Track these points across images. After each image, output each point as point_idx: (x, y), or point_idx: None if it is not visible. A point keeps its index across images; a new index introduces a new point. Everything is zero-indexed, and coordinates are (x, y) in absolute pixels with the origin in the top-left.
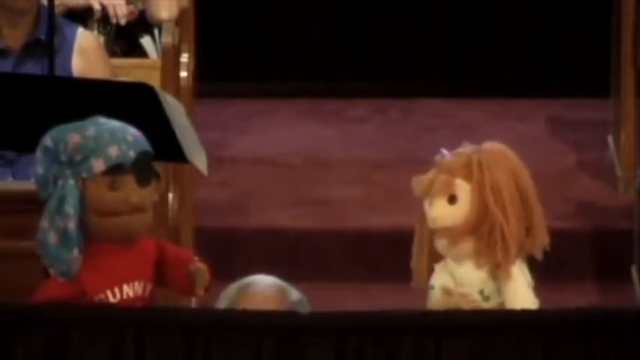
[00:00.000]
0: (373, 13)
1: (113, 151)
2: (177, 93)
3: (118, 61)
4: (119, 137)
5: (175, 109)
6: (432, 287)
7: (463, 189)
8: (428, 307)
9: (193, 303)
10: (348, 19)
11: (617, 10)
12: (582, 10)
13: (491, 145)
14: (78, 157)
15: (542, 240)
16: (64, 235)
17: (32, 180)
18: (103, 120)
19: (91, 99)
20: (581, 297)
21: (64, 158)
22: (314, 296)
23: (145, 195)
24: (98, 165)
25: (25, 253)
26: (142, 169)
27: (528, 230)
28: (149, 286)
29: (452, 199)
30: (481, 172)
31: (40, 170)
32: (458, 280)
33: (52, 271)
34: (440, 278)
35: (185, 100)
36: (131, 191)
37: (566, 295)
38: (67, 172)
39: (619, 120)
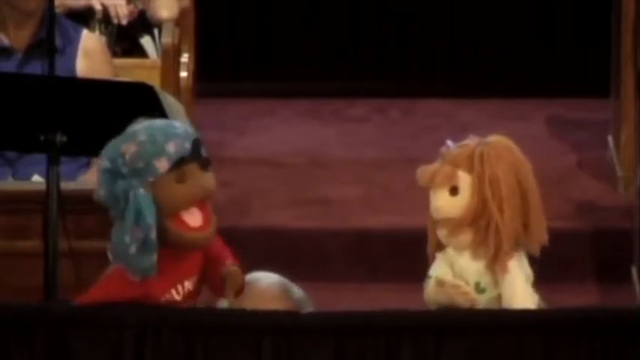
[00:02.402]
0: (374, 12)
1: (171, 148)
2: (177, 93)
3: (118, 61)
4: (172, 133)
5: (175, 109)
6: (429, 277)
7: (464, 181)
8: (425, 298)
9: None
10: (348, 19)
11: (617, 10)
12: (582, 10)
13: (496, 139)
14: (140, 165)
15: (539, 237)
16: (144, 244)
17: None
18: (144, 123)
19: (91, 99)
20: (581, 297)
21: (125, 170)
22: (314, 296)
23: (212, 178)
24: (162, 164)
25: (25, 253)
26: (200, 154)
27: (525, 226)
28: (199, 282)
29: (453, 191)
30: (482, 165)
31: (102, 192)
32: (457, 271)
33: (131, 274)
34: (438, 268)
35: (185, 100)
36: (199, 177)
37: (566, 295)
38: (134, 182)
39: (619, 120)
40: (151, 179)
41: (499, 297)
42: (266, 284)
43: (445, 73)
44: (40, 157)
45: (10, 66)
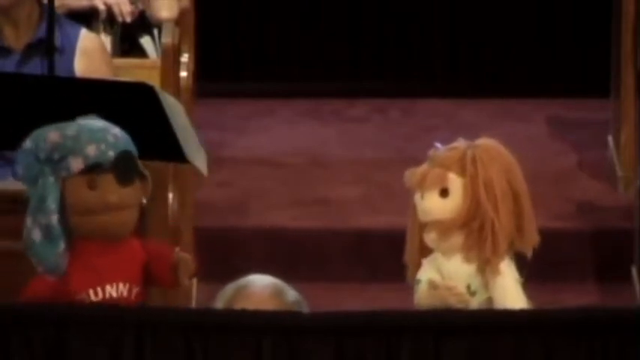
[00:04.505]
0: (374, 12)
1: (91, 151)
2: (177, 93)
3: (118, 61)
4: (99, 137)
5: (175, 109)
6: (419, 281)
7: (455, 183)
8: (415, 302)
9: (193, 303)
10: (348, 19)
11: (617, 10)
12: (582, 10)
13: (485, 142)
14: (56, 156)
15: (532, 238)
16: (47, 230)
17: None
18: (87, 120)
19: (91, 99)
20: (581, 297)
21: (42, 156)
22: (314, 296)
23: (126, 194)
24: (76, 164)
25: (24, 253)
26: (122, 168)
27: (519, 228)
28: (135, 289)
29: (444, 193)
30: (475, 168)
31: (19, 170)
32: (445, 275)
33: (40, 270)
34: (427, 272)
35: (185, 100)
36: (110, 190)
37: (566, 295)
38: (47, 169)
39: (619, 120)
40: (63, 174)
41: (489, 300)
42: (259, 287)
43: (445, 73)
44: None
45: (8, 65)
